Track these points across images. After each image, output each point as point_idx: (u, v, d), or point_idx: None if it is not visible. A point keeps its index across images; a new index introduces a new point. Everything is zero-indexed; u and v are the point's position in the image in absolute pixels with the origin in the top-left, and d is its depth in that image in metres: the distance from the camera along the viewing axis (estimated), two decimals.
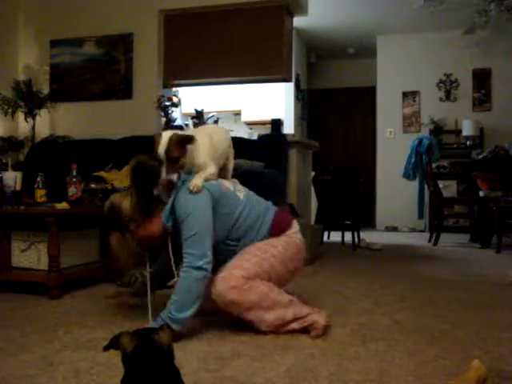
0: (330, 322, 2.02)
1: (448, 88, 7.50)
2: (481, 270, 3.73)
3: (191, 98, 6.97)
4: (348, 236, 5.19)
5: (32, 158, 4.81)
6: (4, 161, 4.78)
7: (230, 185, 2.14)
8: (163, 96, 5.36)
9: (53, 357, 1.70)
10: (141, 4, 5.45)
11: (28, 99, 5.31)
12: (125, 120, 5.32)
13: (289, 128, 6.99)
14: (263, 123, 7.04)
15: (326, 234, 5.56)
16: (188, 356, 1.69)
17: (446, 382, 1.47)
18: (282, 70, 5.24)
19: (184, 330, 1.88)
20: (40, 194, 2.90)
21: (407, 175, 7.04)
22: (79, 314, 2.31)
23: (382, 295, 2.73)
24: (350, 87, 8.62)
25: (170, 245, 2.05)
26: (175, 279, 1.97)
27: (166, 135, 1.95)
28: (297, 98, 7.50)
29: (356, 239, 5.05)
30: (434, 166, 6.09)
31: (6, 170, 3.47)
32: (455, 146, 7.31)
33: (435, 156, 6.73)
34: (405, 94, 7.71)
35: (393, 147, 7.64)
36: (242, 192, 2.14)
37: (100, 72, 5.52)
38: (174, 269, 2.02)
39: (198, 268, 1.87)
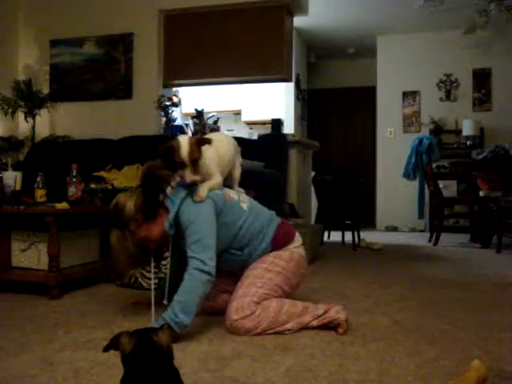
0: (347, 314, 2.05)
1: (448, 88, 7.50)
2: (481, 270, 3.73)
3: (191, 97, 6.97)
4: (348, 236, 5.19)
5: (32, 158, 4.81)
6: (4, 161, 4.78)
7: (234, 194, 2.17)
8: (163, 96, 5.36)
9: (53, 357, 1.70)
10: (141, 4, 5.45)
11: (28, 99, 5.31)
12: (125, 120, 5.32)
13: (289, 128, 6.99)
14: (263, 123, 7.04)
15: (326, 233, 5.56)
16: (188, 356, 1.69)
17: (446, 382, 1.47)
18: (282, 70, 5.24)
19: (185, 332, 1.89)
20: (40, 194, 2.90)
21: (407, 175, 7.03)
22: (79, 314, 2.31)
23: (382, 295, 2.73)
24: (350, 87, 8.62)
25: (170, 250, 2.08)
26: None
27: (184, 140, 2.01)
28: (297, 97, 7.50)
29: (356, 239, 5.05)
30: (434, 165, 6.09)
31: (6, 169, 3.47)
32: (455, 145, 7.31)
33: (435, 156, 6.73)
34: (405, 94, 7.71)
35: (393, 147, 7.64)
36: (245, 203, 2.17)
37: (100, 72, 5.52)
38: (168, 273, 2.07)
39: (203, 271, 1.90)
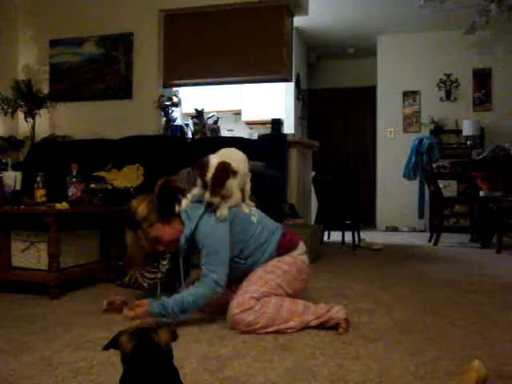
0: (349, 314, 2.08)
1: (448, 88, 7.50)
2: (481, 270, 3.73)
3: (191, 97, 6.97)
4: (348, 236, 5.19)
5: (32, 158, 4.81)
6: (4, 161, 4.78)
7: (246, 208, 2.26)
8: (163, 96, 5.36)
9: (53, 357, 1.70)
10: (141, 4, 5.45)
11: (28, 99, 5.31)
12: (125, 120, 5.32)
13: (289, 128, 6.99)
14: (263, 123, 7.04)
15: (326, 233, 5.56)
16: (188, 356, 1.69)
17: (446, 382, 1.47)
18: (282, 70, 5.24)
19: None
20: (40, 194, 2.90)
21: (407, 175, 7.04)
22: (79, 314, 2.31)
23: (382, 295, 2.73)
24: (350, 87, 8.62)
25: (181, 263, 2.18)
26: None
27: (214, 162, 2.10)
28: (297, 97, 7.50)
29: (356, 239, 5.05)
30: (434, 165, 6.09)
31: (6, 169, 3.47)
32: (455, 145, 7.32)
33: (435, 156, 6.73)
34: (405, 94, 7.71)
35: (393, 147, 7.64)
36: (255, 216, 2.26)
37: (100, 72, 5.52)
38: (182, 280, 2.18)
39: (217, 283, 2.04)
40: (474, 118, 7.16)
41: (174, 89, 6.21)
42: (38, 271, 2.78)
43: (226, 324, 2.09)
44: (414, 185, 7.24)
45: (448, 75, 7.50)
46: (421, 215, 7.27)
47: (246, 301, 2.00)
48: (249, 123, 7.41)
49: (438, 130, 7.36)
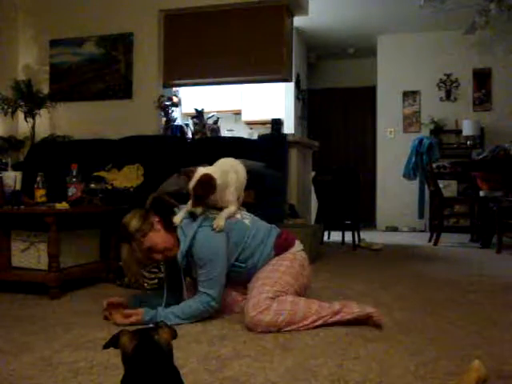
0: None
1: (448, 88, 7.50)
2: (481, 270, 3.73)
3: (191, 97, 6.97)
4: (348, 236, 5.19)
5: (32, 158, 4.81)
6: (4, 161, 4.78)
7: (237, 214, 2.27)
8: (163, 96, 5.36)
9: (53, 357, 1.70)
10: (141, 4, 5.45)
11: (28, 99, 5.31)
12: (125, 120, 5.32)
13: (289, 128, 6.99)
14: (263, 123, 7.04)
15: (326, 233, 5.56)
16: (188, 356, 1.69)
17: (445, 382, 1.47)
18: (282, 70, 5.24)
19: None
20: (40, 194, 2.90)
21: (407, 175, 7.04)
22: (79, 314, 2.31)
23: (382, 295, 2.73)
24: (350, 87, 8.62)
25: (182, 278, 2.20)
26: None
27: (199, 174, 2.11)
28: (297, 97, 7.50)
29: (356, 239, 5.05)
30: (434, 165, 6.09)
31: (6, 169, 3.47)
32: (455, 145, 7.31)
33: (435, 156, 6.73)
34: (405, 94, 7.71)
35: (393, 147, 7.65)
36: (247, 219, 2.28)
37: (100, 72, 5.52)
38: (185, 292, 2.20)
39: (211, 306, 2.11)
40: (474, 118, 7.16)
41: (174, 89, 6.21)
42: (38, 271, 2.78)
43: (226, 324, 2.10)
44: (414, 185, 7.24)
45: (448, 75, 7.50)
46: (421, 215, 7.27)
47: (261, 301, 2.01)
48: (249, 123, 7.41)
49: (438, 129, 7.36)
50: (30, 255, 2.85)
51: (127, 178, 4.13)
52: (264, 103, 7.19)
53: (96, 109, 5.51)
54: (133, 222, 2.10)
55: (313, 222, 5.55)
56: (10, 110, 5.23)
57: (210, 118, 5.76)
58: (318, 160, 6.14)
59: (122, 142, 4.72)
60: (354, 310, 2.07)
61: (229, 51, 5.28)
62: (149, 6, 5.42)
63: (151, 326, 1.20)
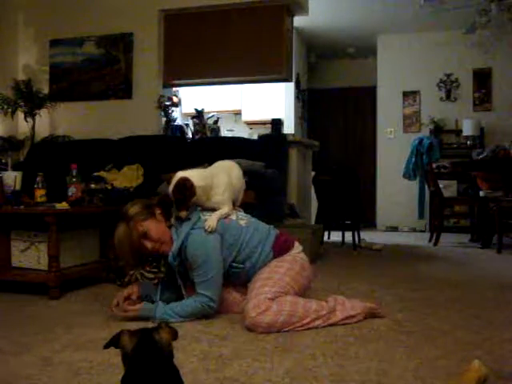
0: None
1: (448, 88, 7.50)
2: (481, 270, 3.73)
3: (191, 97, 6.97)
4: (348, 236, 5.19)
5: (32, 158, 4.81)
6: (4, 161, 4.78)
7: (233, 215, 2.27)
8: (163, 96, 5.36)
9: (53, 357, 1.70)
10: (141, 4, 5.45)
11: (28, 99, 5.31)
12: (125, 120, 5.31)
13: (289, 128, 6.99)
14: (263, 123, 7.03)
15: (326, 233, 5.55)
16: (188, 356, 1.69)
17: (446, 382, 1.47)
18: (282, 70, 5.24)
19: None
20: (40, 194, 2.90)
21: (408, 175, 7.04)
22: (79, 314, 2.31)
23: (382, 295, 2.73)
24: (350, 87, 8.62)
25: (179, 279, 2.22)
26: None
27: (175, 179, 2.13)
28: (297, 97, 7.50)
29: (356, 239, 5.05)
30: (434, 165, 6.09)
31: (6, 169, 3.47)
32: (455, 145, 7.31)
33: (435, 156, 6.73)
34: (405, 94, 7.71)
35: (393, 147, 7.64)
36: (243, 220, 2.28)
37: (100, 72, 5.52)
38: (184, 292, 2.22)
39: (210, 307, 2.13)
40: (474, 118, 7.15)
41: (174, 89, 6.21)
42: (38, 271, 2.78)
43: (226, 324, 2.10)
44: (414, 185, 7.24)
45: (448, 75, 7.50)
46: (421, 215, 7.27)
47: (261, 302, 2.01)
48: (249, 123, 7.40)
49: (438, 129, 7.35)
50: (30, 255, 2.85)
51: (127, 178, 4.13)
52: (264, 103, 7.19)
53: (96, 109, 5.50)
54: (136, 206, 2.16)
55: (313, 222, 5.55)
56: (9, 110, 5.23)
57: (209, 118, 5.76)
58: (317, 160, 6.13)
59: (122, 142, 4.72)
60: (356, 307, 2.12)
61: (229, 51, 5.28)
62: (149, 6, 5.41)
63: (152, 325, 1.20)
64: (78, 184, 3.02)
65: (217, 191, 2.21)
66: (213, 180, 2.22)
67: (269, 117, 6.18)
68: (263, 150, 4.33)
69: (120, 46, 5.47)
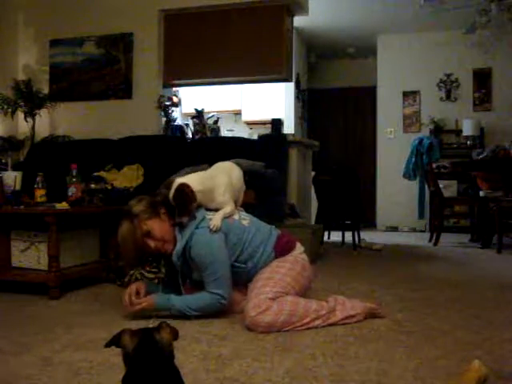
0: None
1: (448, 88, 7.50)
2: (481, 270, 3.73)
3: (191, 97, 6.96)
4: (348, 236, 5.19)
5: (32, 158, 4.81)
6: (4, 161, 4.78)
7: (235, 215, 2.29)
8: (163, 96, 5.36)
9: (53, 357, 1.70)
10: (141, 4, 5.45)
11: (28, 99, 5.31)
12: (125, 120, 5.31)
13: (289, 128, 6.99)
14: (263, 123, 7.03)
15: (326, 233, 5.55)
16: (188, 356, 1.69)
17: (446, 381, 1.47)
18: (282, 70, 5.23)
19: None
20: (40, 194, 2.90)
21: (408, 175, 7.04)
22: (79, 314, 2.31)
23: (382, 295, 2.73)
24: (350, 87, 8.62)
25: (180, 279, 2.24)
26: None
27: (175, 184, 2.14)
28: (297, 97, 7.49)
29: (356, 239, 5.05)
30: (434, 165, 6.09)
31: (6, 169, 3.47)
32: (456, 145, 7.31)
33: (435, 156, 6.73)
34: (405, 94, 7.71)
35: (393, 147, 7.64)
36: (246, 219, 2.30)
37: (100, 72, 5.51)
38: (183, 293, 2.23)
39: (222, 304, 2.14)
40: (474, 118, 7.15)
41: (174, 89, 6.21)
42: (38, 271, 2.78)
43: (226, 324, 2.10)
44: (414, 185, 7.24)
45: (448, 75, 7.50)
46: (421, 215, 7.26)
47: (262, 302, 2.02)
48: (249, 123, 7.40)
49: (438, 129, 7.35)
50: (30, 255, 2.85)
51: (127, 178, 4.13)
52: (264, 103, 7.19)
53: (96, 109, 5.50)
54: (141, 204, 2.15)
55: (313, 221, 5.55)
56: (9, 110, 5.23)
57: (209, 118, 5.76)
58: (317, 160, 6.13)
59: (122, 142, 4.72)
60: (356, 307, 2.13)
61: (229, 51, 5.27)
62: (149, 6, 5.41)
63: (153, 325, 1.20)
64: (78, 184, 3.02)
65: (218, 192, 2.23)
66: (213, 181, 2.24)
67: (269, 117, 6.19)
68: (263, 150, 4.32)
69: (120, 45, 5.47)
